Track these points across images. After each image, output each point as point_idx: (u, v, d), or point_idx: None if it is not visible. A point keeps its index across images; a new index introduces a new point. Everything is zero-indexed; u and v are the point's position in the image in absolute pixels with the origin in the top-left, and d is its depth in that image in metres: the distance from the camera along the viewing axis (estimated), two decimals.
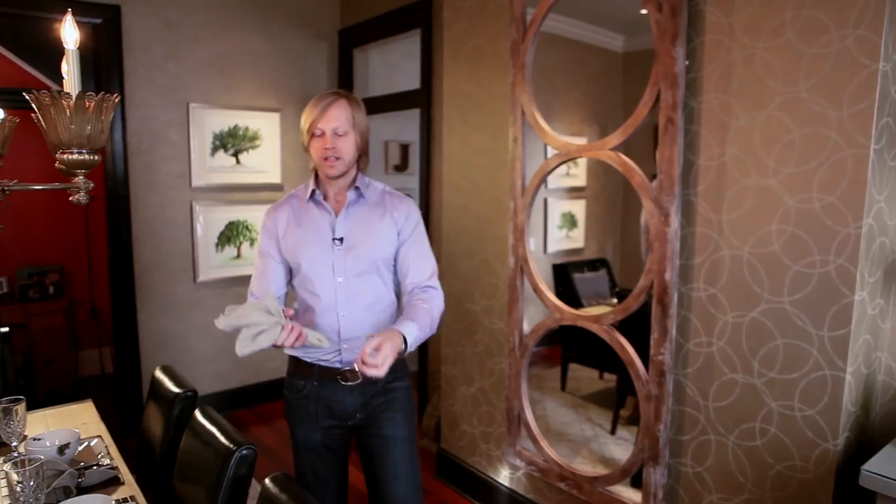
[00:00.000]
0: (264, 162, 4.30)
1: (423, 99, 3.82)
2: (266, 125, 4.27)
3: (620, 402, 3.83)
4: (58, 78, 3.49)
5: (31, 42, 3.62)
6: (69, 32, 1.24)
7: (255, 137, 4.23)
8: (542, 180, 2.65)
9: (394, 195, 2.00)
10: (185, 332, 4.12)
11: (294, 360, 2.03)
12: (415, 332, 1.77)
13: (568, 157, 2.52)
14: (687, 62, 2.11)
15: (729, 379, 2.10)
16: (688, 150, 2.14)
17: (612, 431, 3.81)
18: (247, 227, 4.25)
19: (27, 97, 1.21)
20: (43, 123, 1.25)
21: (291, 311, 1.78)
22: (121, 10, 3.68)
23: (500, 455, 3.07)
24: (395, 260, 1.98)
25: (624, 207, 6.14)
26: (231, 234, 4.20)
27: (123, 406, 4.01)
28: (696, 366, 2.20)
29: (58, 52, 3.44)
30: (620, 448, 3.59)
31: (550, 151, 2.65)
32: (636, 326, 2.60)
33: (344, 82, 4.53)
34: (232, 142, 4.14)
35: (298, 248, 1.94)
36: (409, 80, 4.26)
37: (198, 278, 4.10)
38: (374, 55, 4.67)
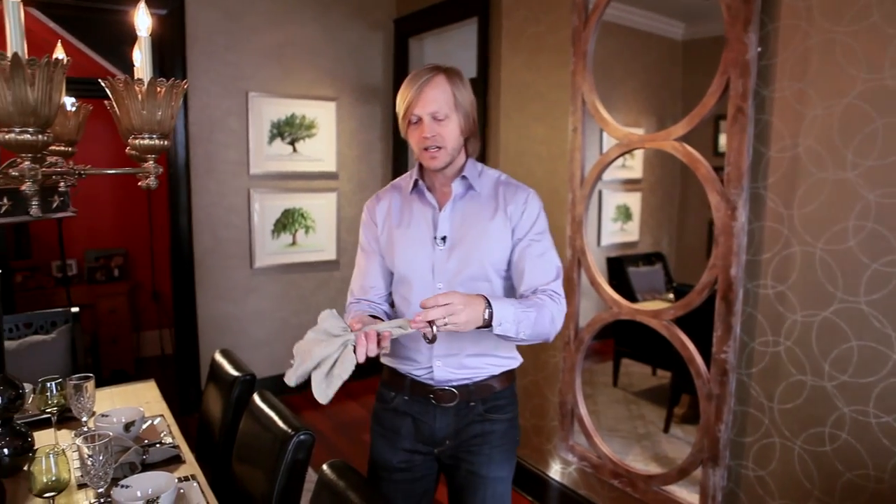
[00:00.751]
0: (320, 150, 4.35)
1: (478, 88, 3.78)
2: (322, 114, 4.31)
3: (675, 400, 3.75)
4: (123, 67, 3.61)
5: (99, 33, 3.74)
6: (142, 20, 1.26)
7: (311, 126, 4.28)
8: (602, 171, 2.59)
9: (510, 185, 1.69)
10: (241, 317, 4.21)
11: (388, 369, 1.78)
12: (509, 310, 1.45)
13: (630, 148, 2.45)
14: (759, 49, 2.01)
15: (797, 380, 2.01)
16: (757, 140, 2.05)
17: (666, 429, 3.73)
18: (302, 215, 4.31)
19: (102, 84, 1.24)
20: (116, 109, 1.27)
21: (357, 324, 1.42)
22: (184, 1, 3.76)
23: (551, 449, 3.04)
24: (510, 263, 1.66)
25: (681, 201, 5.99)
26: (287, 222, 4.26)
27: (182, 386, 4.14)
28: (761, 366, 2.11)
29: (124, 41, 3.53)
30: (674, 447, 3.51)
31: (606, 142, 2.59)
32: (697, 323, 2.52)
33: (399, 72, 4.54)
34: (289, 130, 4.20)
35: (395, 246, 1.70)
36: (465, 69, 4.19)
37: (254, 264, 4.19)
38: (430, 45, 4.66)
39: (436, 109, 1.56)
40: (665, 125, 2.34)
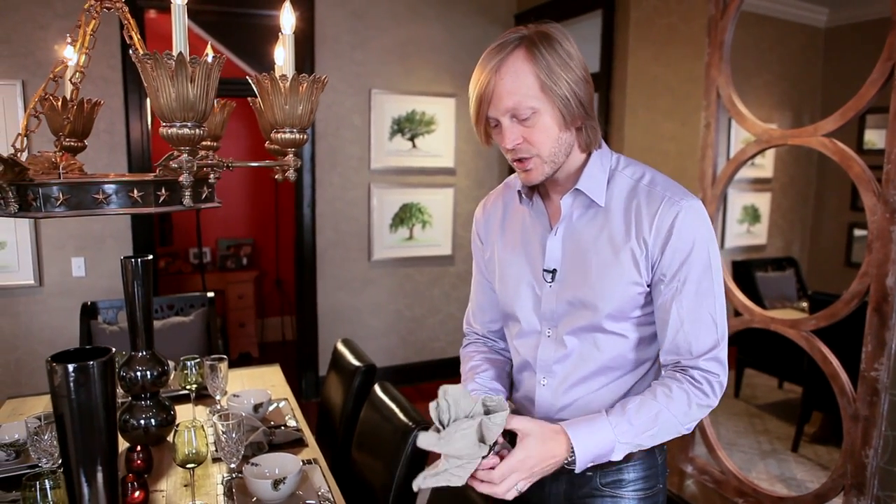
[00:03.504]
0: (439, 146, 4.40)
1: (602, 83, 3.67)
2: (441, 110, 4.36)
3: (805, 417, 3.48)
4: (258, 66, 3.81)
5: (236, 35, 3.98)
6: (287, 19, 1.31)
7: (430, 122, 4.34)
8: (737, 169, 2.43)
9: (653, 193, 1.15)
10: (358, 307, 4.35)
11: None
12: (603, 443, 1.09)
13: (769, 145, 2.29)
14: None
15: None
16: None
17: (794, 448, 3.48)
18: (419, 210, 4.39)
19: (250, 81, 1.30)
20: (260, 104, 1.33)
21: (503, 450, 1.09)
22: (314, 3, 3.92)
23: (668, 459, 2.91)
24: (655, 307, 1.19)
25: (816, 202, 5.55)
26: (404, 216, 4.35)
27: (301, 372, 4.34)
28: None
29: (259, 42, 3.73)
30: (804, 468, 3.27)
31: (736, 139, 2.43)
32: (841, 336, 2.32)
33: None
34: (409, 126, 4.28)
35: (497, 274, 1.34)
36: (587, 63, 4.12)
37: (372, 257, 4.31)
38: None
39: (514, 104, 1.11)
40: (801, 120, 2.17)
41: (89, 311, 2.80)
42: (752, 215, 5.29)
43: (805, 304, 3.87)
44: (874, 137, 4.79)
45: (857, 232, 4.98)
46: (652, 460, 1.28)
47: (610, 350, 1.20)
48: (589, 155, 1.20)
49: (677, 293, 1.14)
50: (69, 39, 1.47)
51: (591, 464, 1.10)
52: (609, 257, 1.16)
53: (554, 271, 1.22)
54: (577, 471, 1.09)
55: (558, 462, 1.08)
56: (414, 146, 4.32)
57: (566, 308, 1.21)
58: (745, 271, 4.27)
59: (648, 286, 1.17)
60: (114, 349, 1.12)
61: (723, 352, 1.16)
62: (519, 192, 1.27)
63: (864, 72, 1.96)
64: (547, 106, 1.11)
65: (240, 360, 4.98)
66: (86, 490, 1.07)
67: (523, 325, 1.28)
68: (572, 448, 1.08)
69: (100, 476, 1.08)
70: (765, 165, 5.17)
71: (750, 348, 4.01)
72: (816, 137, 2.10)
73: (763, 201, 5.30)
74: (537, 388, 1.27)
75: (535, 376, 1.27)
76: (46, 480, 1.26)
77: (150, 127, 3.79)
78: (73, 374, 1.04)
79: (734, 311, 2.49)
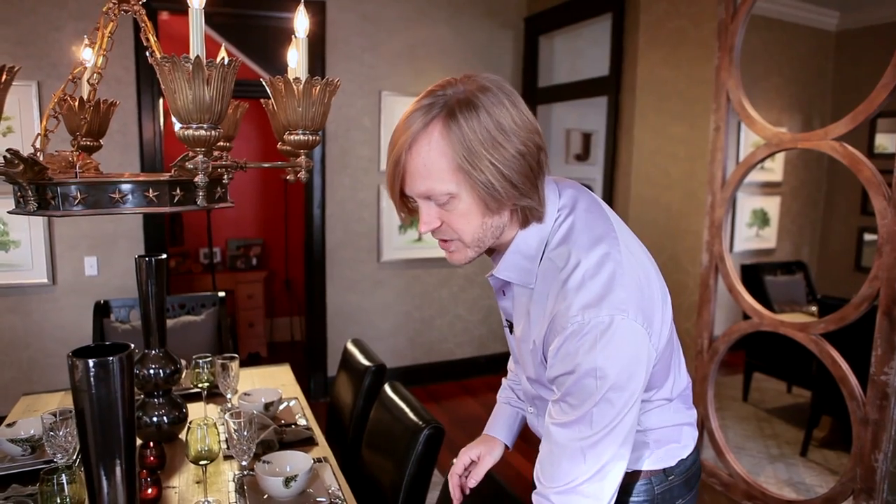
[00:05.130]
0: None
1: (611, 86, 3.68)
2: None
3: (814, 422, 3.47)
4: (270, 69, 3.84)
5: (248, 37, 4.01)
6: (301, 22, 1.33)
7: None
8: (747, 173, 2.44)
9: (560, 293, 0.99)
10: (367, 308, 4.37)
11: None
12: None
13: (779, 148, 2.29)
14: None
15: None
16: None
17: (803, 453, 3.47)
18: None
19: (264, 83, 1.32)
20: (274, 106, 1.35)
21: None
22: (326, 6, 3.95)
23: None
24: None
25: (826, 206, 5.53)
26: (414, 218, 4.36)
27: (310, 372, 4.36)
28: None
29: (271, 44, 3.75)
30: (813, 473, 3.26)
31: (745, 143, 2.43)
32: (850, 340, 2.32)
33: (528, 70, 4.51)
34: None
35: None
36: (595, 67, 4.13)
37: (381, 258, 4.32)
38: (560, 42, 4.59)
39: (426, 190, 0.98)
40: (811, 123, 2.17)
41: (102, 310, 2.83)
42: (762, 219, 5.27)
43: (814, 309, 3.86)
44: (885, 141, 4.76)
45: (867, 236, 4.95)
46: (640, 487, 1.20)
47: None
48: (517, 234, 1.06)
49: (554, 402, 1.01)
50: (87, 41, 1.50)
51: None
52: (525, 333, 1.10)
53: (511, 325, 1.20)
54: None
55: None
56: None
57: (529, 358, 1.14)
58: (753, 275, 4.26)
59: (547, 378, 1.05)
60: (132, 345, 1.14)
61: (583, 490, 0.96)
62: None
63: (875, 75, 1.96)
64: (465, 190, 0.97)
65: (249, 360, 5.01)
66: (105, 484, 1.09)
67: (513, 358, 1.31)
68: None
69: (118, 470, 1.10)
70: (774, 169, 5.16)
71: (758, 352, 4.00)
72: (827, 141, 2.10)
73: (772, 205, 5.28)
74: (528, 415, 1.30)
75: (526, 405, 1.30)
76: (63, 475, 1.28)
77: (162, 128, 3.82)
78: (93, 369, 1.07)
79: (742, 314, 2.49)
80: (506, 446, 1.42)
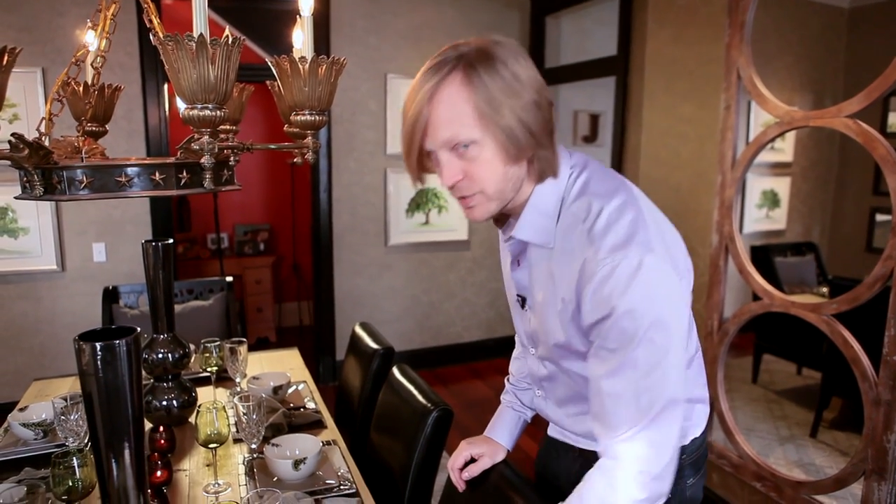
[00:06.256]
0: None
1: (619, 66, 3.64)
2: None
3: (824, 403, 3.46)
4: (273, 51, 3.81)
5: (251, 19, 3.98)
6: (305, 1, 1.31)
7: None
8: (758, 152, 2.41)
9: (587, 239, 1.00)
10: (375, 292, 4.37)
11: None
12: None
13: (791, 126, 2.26)
14: None
15: None
16: None
17: (813, 434, 3.46)
18: (435, 195, 4.39)
19: (269, 63, 1.30)
20: (280, 87, 1.33)
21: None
22: None
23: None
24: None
25: (837, 187, 5.47)
26: (421, 201, 4.35)
27: (319, 356, 4.38)
28: None
29: (275, 27, 3.72)
30: (822, 454, 3.26)
31: (755, 122, 2.39)
32: (862, 321, 2.30)
33: (535, 51, 4.46)
34: None
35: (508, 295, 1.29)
36: (603, 47, 4.08)
37: (388, 242, 4.32)
38: (567, 22, 4.54)
39: (450, 136, 0.99)
40: (823, 102, 2.13)
41: (111, 296, 2.84)
42: (772, 200, 5.23)
43: (825, 290, 3.83)
44: None
45: (879, 217, 4.90)
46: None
47: (577, 378, 1.13)
48: (533, 190, 1.07)
49: (594, 356, 1.01)
50: (90, 24, 1.48)
51: None
52: (549, 296, 1.08)
53: (523, 299, 1.19)
54: None
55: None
56: None
57: (542, 334, 1.15)
58: (763, 256, 4.23)
59: (579, 334, 1.05)
60: (139, 328, 1.14)
61: (646, 437, 0.96)
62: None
63: (889, 52, 1.92)
64: (488, 138, 0.98)
65: (258, 345, 5.03)
66: (114, 467, 1.09)
67: (521, 340, 1.31)
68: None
69: (127, 453, 1.10)
70: (784, 149, 5.10)
71: (768, 334, 3.98)
72: (840, 118, 2.06)
73: (783, 186, 5.23)
74: (535, 399, 1.33)
75: (533, 390, 1.33)
76: (74, 458, 1.29)
77: (167, 113, 3.81)
78: (100, 353, 1.06)
79: (752, 296, 2.47)
80: (507, 450, 1.46)
